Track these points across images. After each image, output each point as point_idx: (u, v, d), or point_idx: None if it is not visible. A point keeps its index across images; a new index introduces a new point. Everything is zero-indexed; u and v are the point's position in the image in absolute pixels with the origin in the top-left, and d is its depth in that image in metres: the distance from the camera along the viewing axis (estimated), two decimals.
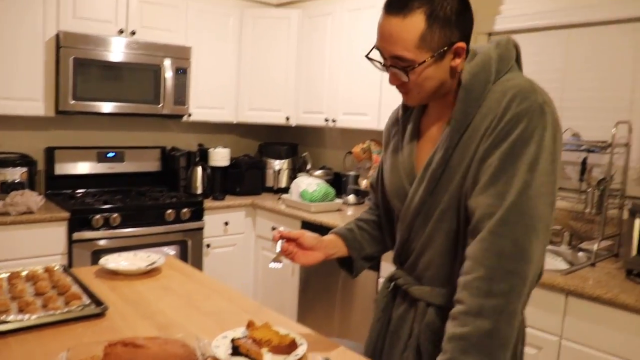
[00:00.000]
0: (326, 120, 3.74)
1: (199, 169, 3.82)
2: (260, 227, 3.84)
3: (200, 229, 3.57)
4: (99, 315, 1.59)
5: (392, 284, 1.44)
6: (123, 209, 3.27)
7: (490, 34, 3.19)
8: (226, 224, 3.75)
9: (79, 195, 3.53)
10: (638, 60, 2.63)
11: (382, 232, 1.54)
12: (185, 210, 3.48)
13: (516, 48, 1.27)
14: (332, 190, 3.58)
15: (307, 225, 3.40)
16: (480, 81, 1.19)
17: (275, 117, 4.05)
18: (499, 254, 1.07)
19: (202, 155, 3.95)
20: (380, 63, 1.24)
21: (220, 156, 3.92)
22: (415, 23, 1.14)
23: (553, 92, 2.80)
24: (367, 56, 1.29)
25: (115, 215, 3.22)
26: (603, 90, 2.75)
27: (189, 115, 3.76)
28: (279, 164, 4.19)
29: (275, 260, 1.44)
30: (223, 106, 4.00)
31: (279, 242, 1.42)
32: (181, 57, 3.62)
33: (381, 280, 2.91)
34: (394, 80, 1.24)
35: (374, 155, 3.50)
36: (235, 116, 4.07)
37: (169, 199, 3.55)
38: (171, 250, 3.45)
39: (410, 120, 1.39)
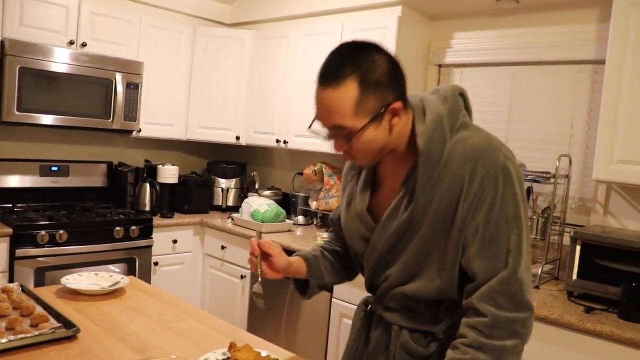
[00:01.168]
0: (277, 141, 3.78)
1: (147, 186, 3.74)
2: (209, 246, 3.80)
3: (149, 246, 3.49)
4: (71, 338, 1.54)
5: (368, 307, 1.50)
6: (70, 225, 3.15)
7: (440, 66, 3.36)
8: (174, 242, 3.68)
9: (20, 210, 3.37)
10: (577, 99, 2.85)
11: (343, 263, 1.59)
12: (134, 227, 3.39)
13: (463, 95, 1.33)
14: (283, 211, 3.60)
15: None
16: (436, 143, 1.23)
17: (225, 136, 4.04)
18: (498, 306, 1.17)
19: (150, 171, 3.87)
20: (325, 132, 1.26)
21: (169, 173, 3.86)
22: (348, 91, 1.16)
23: (500, 124, 2.99)
24: (309, 128, 1.29)
25: (61, 231, 3.09)
26: (546, 125, 2.95)
27: (139, 131, 3.69)
28: (227, 183, 4.17)
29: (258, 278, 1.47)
30: (172, 123, 3.95)
31: (258, 262, 1.44)
32: (133, 72, 3.56)
33: (335, 301, 2.98)
34: (338, 148, 1.27)
35: (326, 177, 3.56)
36: (185, 133, 4.03)
37: (117, 215, 3.45)
38: (117, 269, 3.34)
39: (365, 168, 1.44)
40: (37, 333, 1.49)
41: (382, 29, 3.16)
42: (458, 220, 1.21)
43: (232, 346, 1.46)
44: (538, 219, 2.62)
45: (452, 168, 1.22)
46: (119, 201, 3.77)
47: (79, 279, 2.02)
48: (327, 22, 3.54)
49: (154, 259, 3.55)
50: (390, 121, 1.22)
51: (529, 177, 2.71)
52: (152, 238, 3.51)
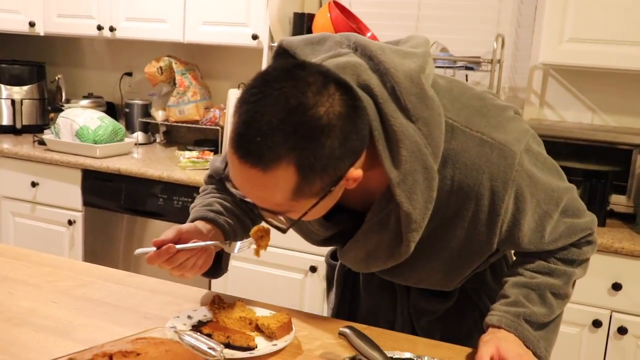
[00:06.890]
0: (100, 28, 3.47)
1: None
2: (7, 184, 3.46)
3: None
4: None
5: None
6: None
7: None
8: None
9: None
10: None
11: (245, 214, 1.49)
12: None
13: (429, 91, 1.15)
14: (121, 127, 3.40)
15: (92, 174, 3.19)
16: (422, 191, 1.14)
17: (12, 22, 3.66)
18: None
19: None
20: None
21: None
22: (282, 178, 1.01)
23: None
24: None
25: None
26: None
27: None
28: (18, 93, 3.81)
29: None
30: None
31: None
32: None
33: None
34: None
35: (178, 76, 3.36)
36: None
37: None
38: None
39: None
40: None
41: None
42: (487, 236, 1.23)
43: (215, 302, 1.37)
44: None
45: (455, 196, 1.18)
46: None
47: None
48: None
49: None
50: (343, 186, 1.12)
51: (459, 64, 2.82)
52: None
